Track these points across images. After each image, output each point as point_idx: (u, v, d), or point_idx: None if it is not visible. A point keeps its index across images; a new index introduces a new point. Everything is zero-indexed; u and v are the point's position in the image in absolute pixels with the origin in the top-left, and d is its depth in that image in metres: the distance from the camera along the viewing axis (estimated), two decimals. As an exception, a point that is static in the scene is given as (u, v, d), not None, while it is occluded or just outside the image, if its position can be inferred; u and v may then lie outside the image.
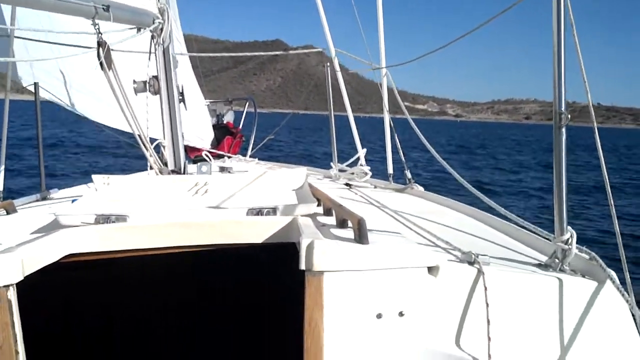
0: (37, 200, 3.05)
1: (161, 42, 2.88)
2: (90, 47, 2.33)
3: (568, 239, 1.67)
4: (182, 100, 3.01)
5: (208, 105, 5.78)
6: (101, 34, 2.28)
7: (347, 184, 3.39)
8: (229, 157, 4.87)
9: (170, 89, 2.94)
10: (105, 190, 2.37)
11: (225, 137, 5.76)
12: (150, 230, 1.82)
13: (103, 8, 2.28)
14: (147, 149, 2.75)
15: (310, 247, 1.47)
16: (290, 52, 4.03)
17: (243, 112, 6.12)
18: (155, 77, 2.91)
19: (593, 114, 1.78)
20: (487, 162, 27.45)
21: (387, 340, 1.52)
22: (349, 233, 1.69)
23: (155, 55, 2.89)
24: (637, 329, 1.60)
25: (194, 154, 4.98)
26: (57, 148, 20.51)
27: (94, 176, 2.41)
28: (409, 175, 3.25)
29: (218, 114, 6.17)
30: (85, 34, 2.49)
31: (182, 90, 3.00)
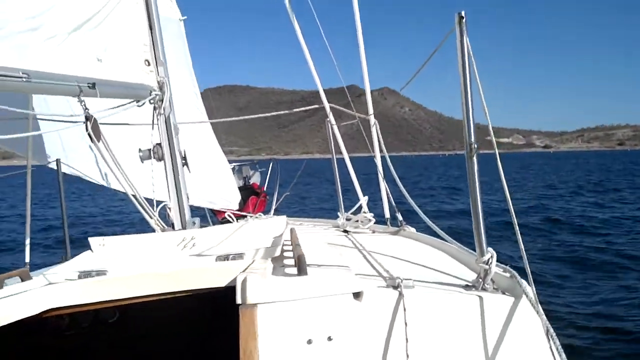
0: None
1: (162, 111, 3.04)
2: (77, 122, 2.51)
3: (488, 260, 1.81)
4: (185, 164, 3.13)
5: (234, 167, 6.01)
6: (87, 109, 2.44)
7: (345, 231, 3.47)
8: (252, 217, 4.97)
9: (173, 154, 3.07)
10: (99, 251, 2.54)
11: (250, 197, 5.95)
12: (125, 281, 2.00)
13: (89, 86, 2.46)
14: (146, 212, 2.88)
15: (243, 282, 1.67)
16: (295, 110, 4.12)
17: (267, 172, 6.33)
18: (159, 145, 3.05)
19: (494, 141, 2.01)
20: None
21: None
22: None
23: (158, 124, 3.05)
24: (548, 338, 1.70)
25: (221, 216, 5.14)
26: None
27: (90, 239, 2.56)
28: (400, 217, 3.45)
29: (245, 176, 6.40)
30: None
31: (185, 155, 3.13)
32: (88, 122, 2.44)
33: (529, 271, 1.86)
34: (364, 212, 3.46)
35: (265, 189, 6.30)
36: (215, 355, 2.68)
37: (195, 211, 4.87)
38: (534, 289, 1.83)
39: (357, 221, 3.48)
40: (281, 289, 1.64)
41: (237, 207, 5.20)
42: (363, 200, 3.51)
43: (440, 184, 38.39)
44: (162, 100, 3.03)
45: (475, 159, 1.79)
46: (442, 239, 2.76)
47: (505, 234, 12.46)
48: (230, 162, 5.74)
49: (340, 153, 3.80)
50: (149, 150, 3.06)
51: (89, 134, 2.46)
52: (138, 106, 2.91)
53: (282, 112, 4.32)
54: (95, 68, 2.75)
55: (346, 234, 3.38)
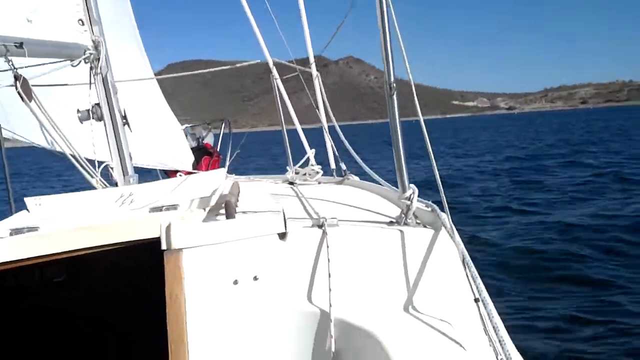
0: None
1: (99, 70, 3.04)
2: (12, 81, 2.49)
3: (410, 196, 1.90)
4: (126, 123, 3.14)
5: (186, 129, 5.99)
6: (16, 69, 2.44)
7: (290, 183, 3.52)
8: None
9: (113, 114, 3.08)
10: (35, 210, 2.50)
11: (203, 157, 5.97)
12: (56, 236, 1.93)
13: (15, 45, 2.44)
14: (87, 172, 2.89)
15: (168, 228, 1.63)
16: (224, 67, 4.13)
17: (220, 133, 6.34)
18: (98, 104, 3.06)
19: (416, 97, 2.00)
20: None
21: (244, 303, 1.66)
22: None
23: (96, 83, 3.05)
24: (464, 266, 1.76)
25: (173, 177, 5.14)
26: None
27: (26, 199, 2.52)
28: (343, 167, 3.57)
29: (198, 137, 6.39)
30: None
31: (125, 114, 3.14)
32: (17, 82, 2.43)
33: (446, 203, 1.93)
34: (312, 165, 3.52)
35: (218, 149, 6.31)
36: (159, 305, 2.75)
37: (148, 172, 4.88)
38: (451, 220, 1.90)
39: (305, 174, 3.53)
40: (206, 233, 1.66)
41: (190, 168, 5.21)
42: (310, 153, 3.58)
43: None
44: (98, 59, 3.03)
45: (395, 97, 1.86)
46: (380, 184, 2.86)
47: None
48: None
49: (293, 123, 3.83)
50: (88, 110, 3.06)
51: (19, 93, 2.45)
52: (73, 66, 2.90)
53: (224, 67, 4.32)
54: (25, 28, 2.74)
55: (292, 185, 3.44)
